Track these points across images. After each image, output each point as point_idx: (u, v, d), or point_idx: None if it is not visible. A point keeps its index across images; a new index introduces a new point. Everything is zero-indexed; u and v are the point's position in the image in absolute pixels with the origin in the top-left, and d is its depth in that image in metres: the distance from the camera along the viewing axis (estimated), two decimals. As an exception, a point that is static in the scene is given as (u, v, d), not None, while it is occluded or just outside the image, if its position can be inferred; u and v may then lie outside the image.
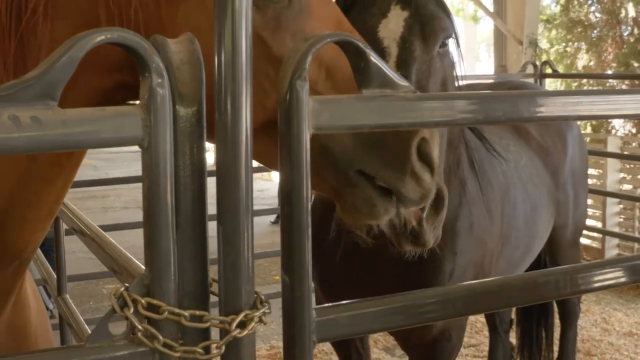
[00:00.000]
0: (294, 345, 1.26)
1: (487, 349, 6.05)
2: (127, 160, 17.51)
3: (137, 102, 1.16)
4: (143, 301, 1.15)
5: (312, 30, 1.67)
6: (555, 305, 4.89)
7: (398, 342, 3.39)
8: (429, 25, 2.38)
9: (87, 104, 1.60)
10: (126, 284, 1.17)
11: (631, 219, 9.09)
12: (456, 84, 2.59)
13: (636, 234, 8.85)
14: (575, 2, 12.20)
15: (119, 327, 1.17)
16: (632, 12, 10.56)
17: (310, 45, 1.19)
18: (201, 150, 1.20)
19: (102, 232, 2.20)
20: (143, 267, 1.70)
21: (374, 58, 1.27)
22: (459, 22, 21.11)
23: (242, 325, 1.18)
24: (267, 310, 1.21)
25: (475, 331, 6.69)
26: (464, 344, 6.23)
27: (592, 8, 11.99)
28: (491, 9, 11.80)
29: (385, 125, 1.31)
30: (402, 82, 1.31)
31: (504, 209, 3.34)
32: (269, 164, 1.74)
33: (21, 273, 1.78)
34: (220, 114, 1.16)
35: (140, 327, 1.15)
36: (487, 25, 20.08)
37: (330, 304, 1.32)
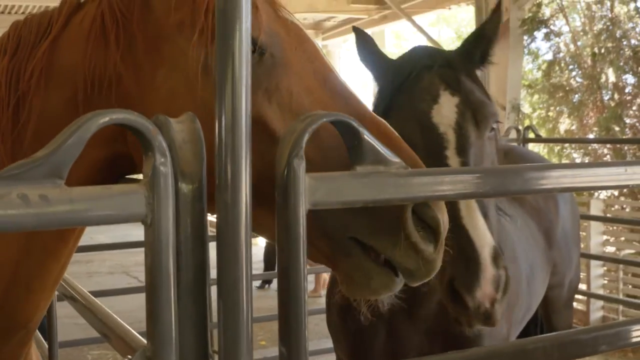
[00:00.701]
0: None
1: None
2: (113, 226, 17.43)
3: (135, 176, 1.21)
4: (145, 373, 1.18)
5: (289, 86, 1.68)
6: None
7: None
8: (480, 111, 2.46)
9: (88, 176, 1.67)
10: (129, 356, 1.20)
11: (615, 281, 9.14)
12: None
13: (620, 296, 8.90)
14: (557, 68, 12.45)
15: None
16: (612, 77, 10.79)
17: (307, 125, 1.25)
18: (202, 225, 1.24)
19: (93, 298, 2.22)
20: (135, 333, 1.74)
21: (367, 136, 1.32)
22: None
23: (240, 396, 1.21)
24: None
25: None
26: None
27: (573, 73, 12.23)
28: (474, 75, 11.98)
29: (378, 200, 1.36)
30: (394, 158, 1.37)
31: (511, 267, 3.39)
32: (261, 233, 1.74)
33: (27, 342, 1.81)
34: (220, 191, 1.21)
35: (142, 399, 1.17)
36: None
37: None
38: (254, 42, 1.62)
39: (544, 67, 12.71)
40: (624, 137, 11.06)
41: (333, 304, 3.20)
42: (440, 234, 1.57)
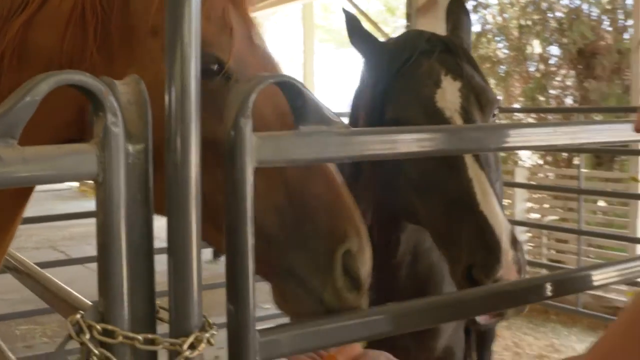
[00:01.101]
0: (239, 366, 1.34)
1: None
2: (39, 200, 17.15)
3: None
4: (99, 327, 1.22)
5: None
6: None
7: None
8: (483, 96, 2.44)
9: (56, 139, 1.66)
10: (80, 312, 1.23)
11: (539, 247, 9.42)
12: None
13: (544, 261, 9.18)
14: (484, 39, 12.66)
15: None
16: (537, 48, 11.04)
17: (253, 85, 1.29)
18: (147, 185, 1.27)
19: (38, 267, 2.23)
20: (80, 296, 1.77)
21: (311, 97, 1.37)
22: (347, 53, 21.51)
23: (192, 347, 1.26)
24: (215, 332, 1.29)
25: None
26: None
27: (500, 45, 12.46)
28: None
29: (320, 159, 1.42)
30: (336, 119, 1.42)
31: None
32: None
33: None
34: (170, 151, 1.25)
35: (96, 351, 1.21)
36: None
37: (272, 326, 1.40)
38: (221, 64, 1.65)
39: (472, 38, 12.92)
40: (548, 107, 11.36)
41: None
42: (362, 285, 1.62)
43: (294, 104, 1.39)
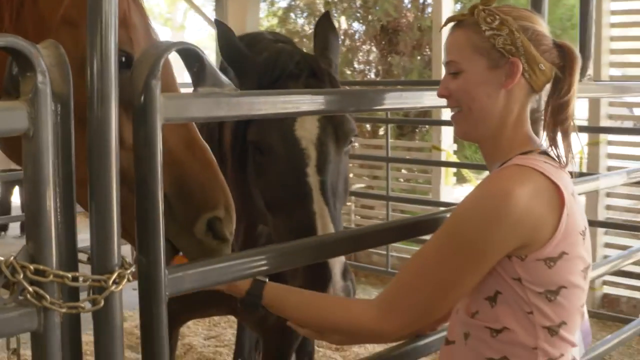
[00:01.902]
0: (149, 300, 1.52)
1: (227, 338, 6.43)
2: None
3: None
4: (31, 267, 1.35)
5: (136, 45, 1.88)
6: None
7: (253, 326, 3.59)
8: (340, 127, 2.52)
9: None
10: (13, 253, 1.36)
11: (347, 213, 9.91)
12: None
13: (353, 226, 9.65)
14: (292, 15, 13.00)
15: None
16: (344, 24, 11.50)
17: (162, 50, 1.47)
18: (70, 141, 1.42)
19: None
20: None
21: (208, 63, 1.56)
22: (167, 33, 21.37)
23: (114, 283, 1.42)
24: (134, 270, 1.46)
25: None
26: (205, 335, 6.55)
27: (307, 21, 12.83)
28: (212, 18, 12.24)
29: (215, 117, 1.61)
30: (228, 82, 1.62)
31: None
32: None
33: None
34: (92, 110, 1.40)
35: (30, 289, 1.34)
36: (201, 33, 20.37)
37: (179, 264, 1.59)
38: (129, 57, 1.80)
39: (279, 13, 13.24)
40: (355, 80, 11.91)
41: None
42: (227, 240, 1.87)
43: (192, 67, 1.57)
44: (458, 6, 9.63)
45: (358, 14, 10.36)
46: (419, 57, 10.04)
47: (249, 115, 1.73)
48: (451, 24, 2.04)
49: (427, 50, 9.96)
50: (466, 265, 1.84)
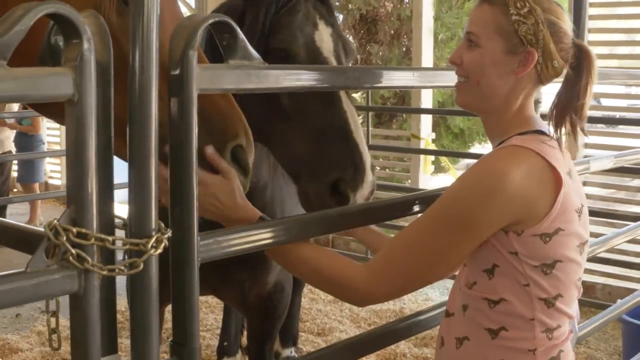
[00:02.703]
0: (182, 267, 1.56)
1: (209, 322, 6.47)
2: None
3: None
4: (74, 230, 1.38)
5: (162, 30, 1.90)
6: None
7: (234, 304, 3.65)
8: (348, 45, 2.75)
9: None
10: (55, 217, 1.39)
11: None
12: None
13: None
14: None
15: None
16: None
17: (201, 21, 1.50)
18: (109, 108, 1.45)
19: None
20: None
21: (240, 36, 1.60)
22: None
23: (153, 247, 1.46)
24: (170, 235, 1.50)
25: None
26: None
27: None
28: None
29: (244, 89, 1.66)
30: (257, 55, 1.66)
31: None
32: None
33: None
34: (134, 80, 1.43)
35: (73, 251, 1.38)
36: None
37: (211, 231, 1.63)
38: None
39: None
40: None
41: None
42: (249, 170, 1.98)
43: (225, 41, 1.61)
44: (437, -4, 9.72)
45: (337, 3, 10.38)
46: (397, 47, 10.10)
47: (275, 88, 1.78)
48: None
49: (406, 39, 10.03)
50: (460, 236, 1.91)
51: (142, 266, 1.44)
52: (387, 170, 9.68)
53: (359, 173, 2.37)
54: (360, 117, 9.62)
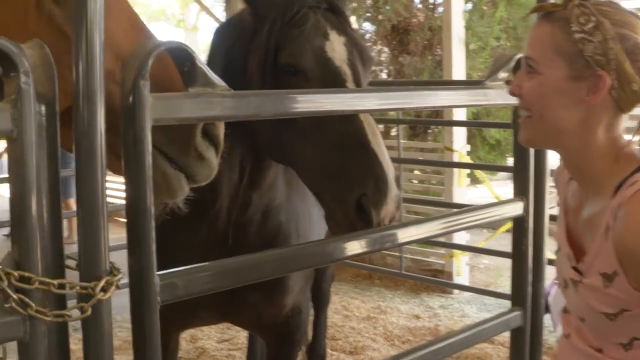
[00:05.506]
0: (141, 308, 1.48)
1: (240, 341, 6.40)
2: None
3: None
4: (16, 274, 1.31)
5: (108, 30, 1.83)
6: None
7: (250, 328, 3.63)
8: (364, 52, 2.62)
9: None
10: (-2, 259, 1.32)
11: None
12: None
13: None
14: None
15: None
16: (354, 25, 11.49)
17: (151, 49, 1.42)
18: (56, 142, 1.37)
19: None
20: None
21: (199, 62, 1.52)
22: (180, 33, 21.76)
23: (102, 290, 1.37)
24: (122, 276, 1.41)
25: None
26: (218, 339, 6.53)
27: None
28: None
29: (207, 117, 1.56)
30: (220, 82, 1.57)
31: None
32: None
33: None
34: (78, 110, 1.35)
35: (15, 297, 1.30)
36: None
37: (171, 270, 1.54)
38: None
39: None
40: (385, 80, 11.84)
41: None
42: (220, 145, 1.81)
43: (183, 67, 1.53)
44: (469, 5, 9.58)
45: (368, 14, 10.28)
46: (429, 57, 9.96)
47: (241, 116, 1.69)
48: (539, 14, 1.80)
49: (438, 49, 9.87)
50: None
51: (89, 311, 1.36)
52: (424, 183, 9.51)
53: (381, 186, 2.21)
54: (393, 129, 9.52)
